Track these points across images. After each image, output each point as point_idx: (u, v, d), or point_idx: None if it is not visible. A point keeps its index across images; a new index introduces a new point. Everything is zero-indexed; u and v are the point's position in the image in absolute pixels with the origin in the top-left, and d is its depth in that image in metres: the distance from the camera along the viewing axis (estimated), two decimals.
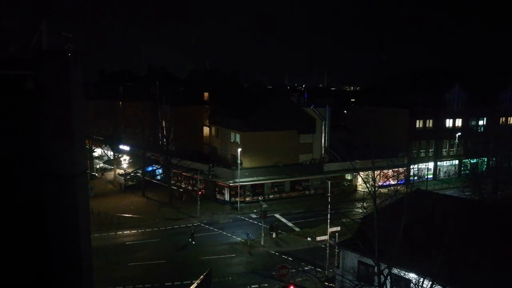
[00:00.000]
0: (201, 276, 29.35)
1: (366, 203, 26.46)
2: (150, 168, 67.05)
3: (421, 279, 21.53)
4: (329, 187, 40.32)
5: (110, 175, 70.87)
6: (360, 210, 26.81)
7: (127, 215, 51.91)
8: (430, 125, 68.28)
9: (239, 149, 55.64)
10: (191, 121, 67.07)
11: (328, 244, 36.62)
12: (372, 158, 26.35)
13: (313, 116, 62.71)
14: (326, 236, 37.18)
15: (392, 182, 42.93)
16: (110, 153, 73.72)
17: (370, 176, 26.30)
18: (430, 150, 68.84)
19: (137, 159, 66.11)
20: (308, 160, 62.02)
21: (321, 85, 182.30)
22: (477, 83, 72.99)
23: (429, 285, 21.08)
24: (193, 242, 43.04)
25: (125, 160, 70.14)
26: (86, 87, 75.46)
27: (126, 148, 70.17)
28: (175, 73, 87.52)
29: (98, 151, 77.42)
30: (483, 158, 60.01)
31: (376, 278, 23.20)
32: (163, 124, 61.93)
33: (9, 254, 19.88)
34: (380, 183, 29.91)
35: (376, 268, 22.96)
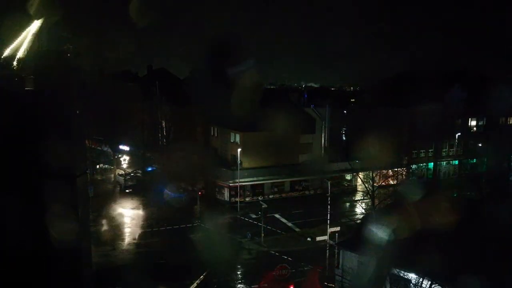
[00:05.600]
0: (201, 276, 29.43)
1: (365, 204, 26.57)
2: (150, 168, 67.06)
3: (421, 279, 21.58)
4: (329, 187, 40.38)
5: (110, 175, 70.86)
6: (360, 210, 26.93)
7: (127, 215, 51.95)
8: (430, 125, 68.20)
9: (239, 149, 55.66)
10: (191, 121, 67.01)
11: (328, 244, 36.67)
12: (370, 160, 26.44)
13: (313, 116, 62.74)
14: (326, 236, 37.24)
15: (391, 182, 42.99)
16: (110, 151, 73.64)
17: (370, 176, 26.41)
18: (430, 150, 68.84)
19: (137, 159, 66.13)
20: (308, 160, 62.05)
21: (321, 85, 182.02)
22: (477, 83, 72.96)
23: (428, 285, 21.13)
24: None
25: (125, 160, 70.15)
26: (86, 87, 75.38)
27: (126, 148, 70.18)
28: (175, 73, 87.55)
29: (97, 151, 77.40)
30: (483, 159, 60.11)
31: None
32: (163, 124, 61.96)
33: (9, 254, 19.91)
34: (379, 183, 30.03)
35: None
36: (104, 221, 48.70)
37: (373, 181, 36.84)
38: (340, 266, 28.85)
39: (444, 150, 70.11)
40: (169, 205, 51.75)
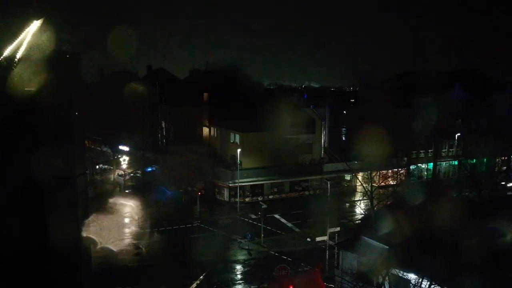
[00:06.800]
0: (201, 277, 29.45)
1: (365, 204, 26.62)
2: (149, 169, 67.07)
3: (420, 279, 21.58)
4: (329, 187, 40.37)
5: (110, 175, 70.81)
6: (359, 210, 26.94)
7: (127, 216, 51.95)
8: (430, 125, 68.21)
9: (239, 150, 55.70)
10: (191, 122, 67.06)
11: (327, 245, 36.68)
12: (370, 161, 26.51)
13: (312, 117, 62.77)
14: (326, 236, 37.26)
15: (391, 182, 42.97)
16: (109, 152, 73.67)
17: (369, 177, 26.43)
18: (430, 150, 68.85)
19: (136, 160, 66.13)
20: (308, 160, 62.06)
21: (320, 85, 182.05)
22: (477, 83, 73.01)
23: (427, 285, 21.14)
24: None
25: (124, 160, 70.15)
26: (86, 87, 75.49)
27: (125, 148, 70.19)
28: (174, 73, 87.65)
29: (97, 151, 77.40)
30: (483, 159, 60.08)
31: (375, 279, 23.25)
32: (163, 124, 61.97)
33: (9, 253, 19.92)
34: (379, 183, 30.04)
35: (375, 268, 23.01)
36: (103, 222, 48.64)
37: (372, 181, 36.86)
38: (340, 266, 28.86)
39: (444, 150, 70.13)
40: (169, 204, 51.95)
